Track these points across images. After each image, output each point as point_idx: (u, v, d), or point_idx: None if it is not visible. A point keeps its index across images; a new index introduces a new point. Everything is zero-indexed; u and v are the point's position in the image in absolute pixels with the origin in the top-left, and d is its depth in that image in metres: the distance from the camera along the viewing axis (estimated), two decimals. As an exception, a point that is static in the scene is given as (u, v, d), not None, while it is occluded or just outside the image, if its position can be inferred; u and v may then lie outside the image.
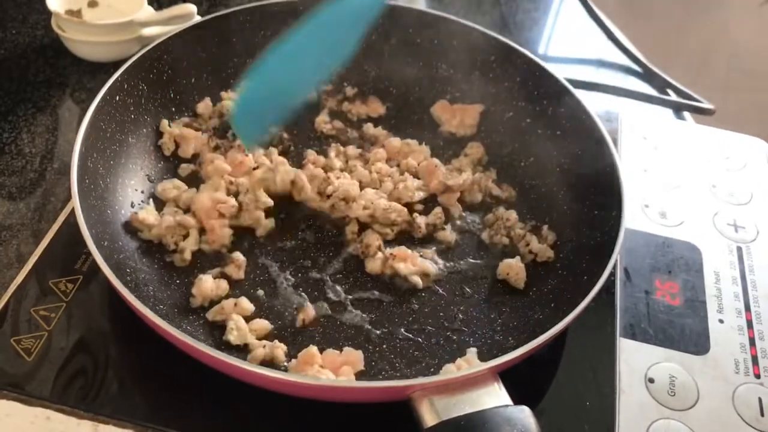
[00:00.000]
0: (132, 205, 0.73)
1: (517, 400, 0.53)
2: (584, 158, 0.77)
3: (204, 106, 0.84)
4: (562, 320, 0.58)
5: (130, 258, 0.68)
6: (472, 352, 0.65)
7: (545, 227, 0.77)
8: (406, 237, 0.76)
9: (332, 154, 0.82)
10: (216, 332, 0.65)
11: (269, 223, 0.74)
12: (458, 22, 0.87)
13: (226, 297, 0.67)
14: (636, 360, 0.68)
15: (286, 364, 0.63)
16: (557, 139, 0.81)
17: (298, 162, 0.81)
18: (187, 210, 0.74)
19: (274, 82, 0.62)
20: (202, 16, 0.88)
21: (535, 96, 0.84)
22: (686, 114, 1.05)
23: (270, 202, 0.75)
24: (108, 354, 0.64)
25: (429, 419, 0.52)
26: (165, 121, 0.80)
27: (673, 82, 1.09)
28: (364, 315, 0.69)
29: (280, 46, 0.60)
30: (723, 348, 0.70)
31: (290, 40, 0.60)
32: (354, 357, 0.64)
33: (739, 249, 0.79)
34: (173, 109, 0.82)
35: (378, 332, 0.67)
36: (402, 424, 0.53)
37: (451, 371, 0.62)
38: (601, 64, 1.14)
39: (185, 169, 0.79)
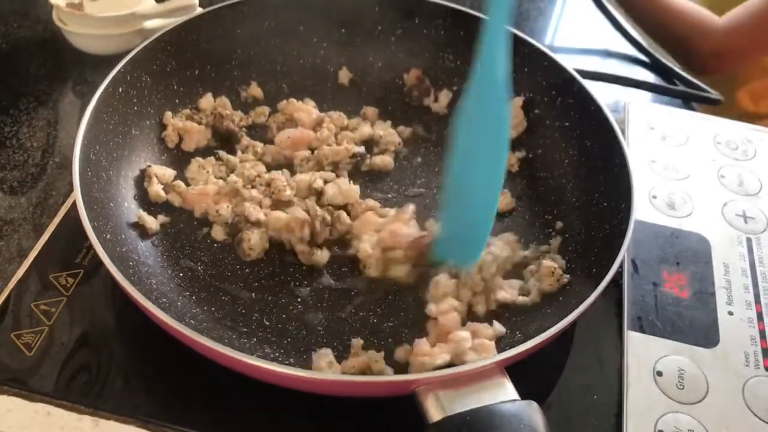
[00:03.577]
0: (134, 198, 0.72)
1: (525, 394, 0.53)
2: (593, 149, 0.76)
3: (206, 101, 0.83)
4: (571, 314, 0.58)
5: (133, 251, 0.67)
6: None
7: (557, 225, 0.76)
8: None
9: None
10: (219, 325, 0.65)
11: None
12: (465, 11, 0.86)
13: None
14: (644, 353, 0.67)
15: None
16: (565, 130, 0.80)
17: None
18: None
19: (466, 196, 0.64)
20: (203, 7, 0.87)
21: (543, 86, 0.83)
22: (694, 104, 1.04)
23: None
24: (109, 349, 0.63)
25: (434, 414, 0.51)
26: (168, 113, 0.80)
27: (681, 72, 1.08)
28: (371, 308, 0.68)
29: (451, 165, 0.63)
30: (733, 340, 0.69)
31: (457, 147, 0.62)
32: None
33: (749, 240, 0.78)
34: (177, 101, 0.81)
35: (384, 325, 0.67)
36: (408, 419, 0.52)
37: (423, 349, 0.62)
38: (608, 54, 1.14)
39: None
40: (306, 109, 0.85)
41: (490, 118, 0.60)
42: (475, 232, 0.66)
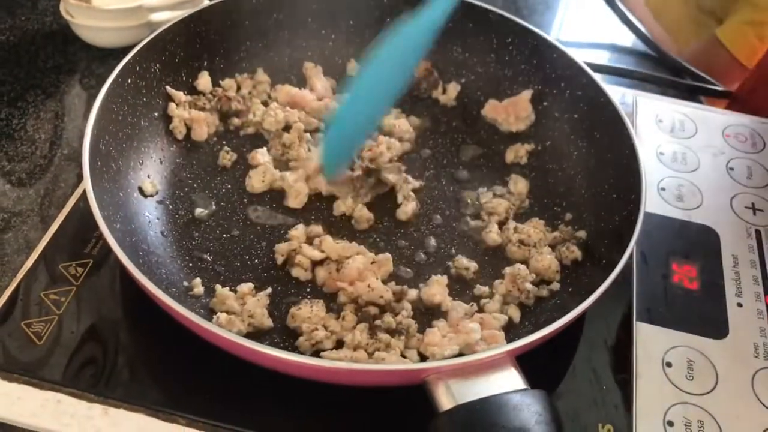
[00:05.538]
0: (142, 192, 0.72)
1: (534, 384, 0.53)
2: (602, 141, 0.76)
3: (203, 82, 0.83)
4: (581, 305, 0.57)
5: (143, 241, 0.67)
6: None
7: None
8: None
9: None
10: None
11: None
12: (474, 4, 0.86)
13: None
14: (653, 344, 0.67)
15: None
16: (574, 122, 0.80)
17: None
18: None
19: (352, 118, 0.71)
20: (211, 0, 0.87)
21: (552, 78, 0.82)
22: (701, 98, 1.04)
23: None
24: (119, 337, 0.63)
25: (445, 403, 0.51)
26: (172, 105, 0.79)
27: (688, 66, 1.08)
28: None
29: (353, 87, 0.70)
30: (742, 332, 0.69)
31: (361, 78, 0.70)
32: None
33: (758, 232, 0.78)
34: (186, 92, 0.81)
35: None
36: (419, 408, 0.52)
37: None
38: (615, 48, 1.13)
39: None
40: (322, 79, 0.87)
41: (407, 55, 0.70)
42: (347, 147, 0.74)
